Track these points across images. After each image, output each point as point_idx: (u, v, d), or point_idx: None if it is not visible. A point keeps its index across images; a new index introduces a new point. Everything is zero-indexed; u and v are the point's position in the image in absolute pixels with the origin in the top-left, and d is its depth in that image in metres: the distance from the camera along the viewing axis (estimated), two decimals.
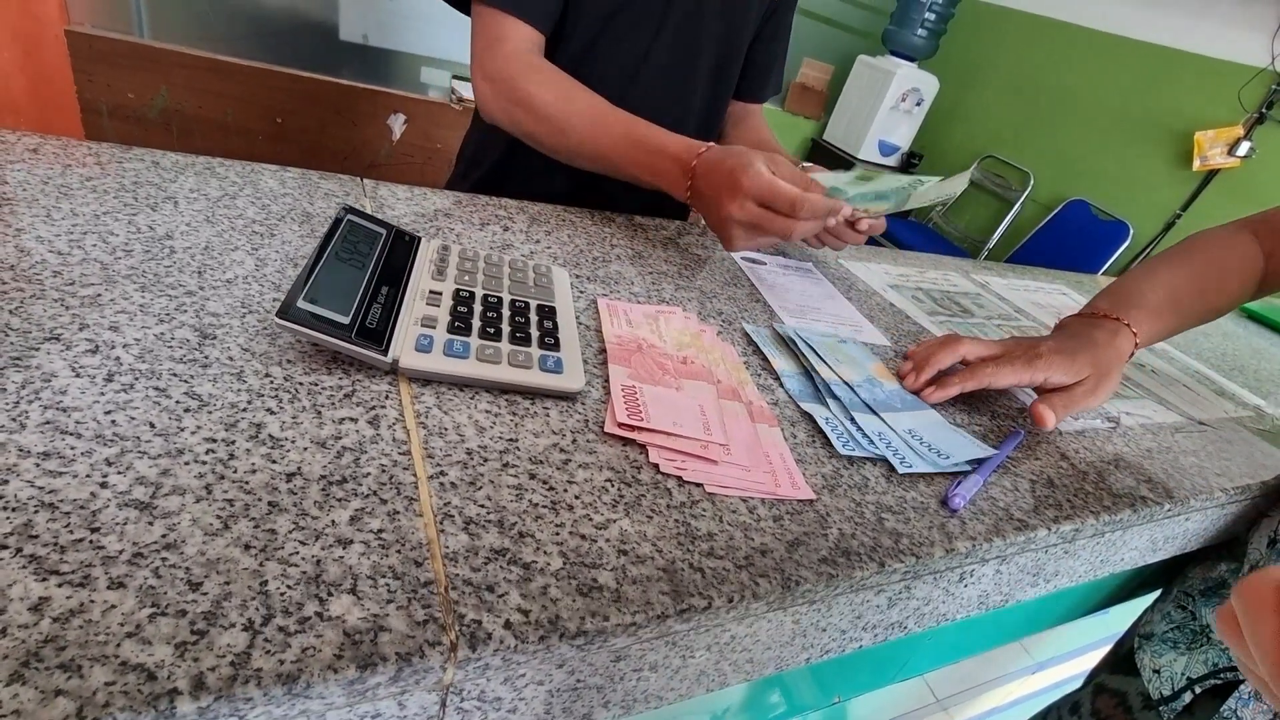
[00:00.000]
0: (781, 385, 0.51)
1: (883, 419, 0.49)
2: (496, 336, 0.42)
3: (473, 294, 0.46)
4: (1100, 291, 0.66)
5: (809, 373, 0.53)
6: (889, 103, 2.88)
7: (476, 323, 0.43)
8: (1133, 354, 0.60)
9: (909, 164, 3.05)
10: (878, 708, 1.46)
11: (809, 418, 0.48)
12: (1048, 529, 0.44)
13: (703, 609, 0.31)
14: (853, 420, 0.48)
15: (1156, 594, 0.78)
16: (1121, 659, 0.74)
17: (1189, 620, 0.66)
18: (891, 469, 0.44)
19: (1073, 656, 1.48)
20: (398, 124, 1.66)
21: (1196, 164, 2.33)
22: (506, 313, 0.45)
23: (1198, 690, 0.60)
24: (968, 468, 0.46)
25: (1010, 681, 1.58)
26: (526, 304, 0.47)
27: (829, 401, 0.50)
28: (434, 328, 0.41)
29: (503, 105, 0.70)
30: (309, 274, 0.39)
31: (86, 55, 1.42)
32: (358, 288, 0.40)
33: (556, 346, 0.43)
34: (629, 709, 0.35)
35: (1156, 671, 0.65)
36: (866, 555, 0.37)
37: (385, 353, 0.38)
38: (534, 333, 0.44)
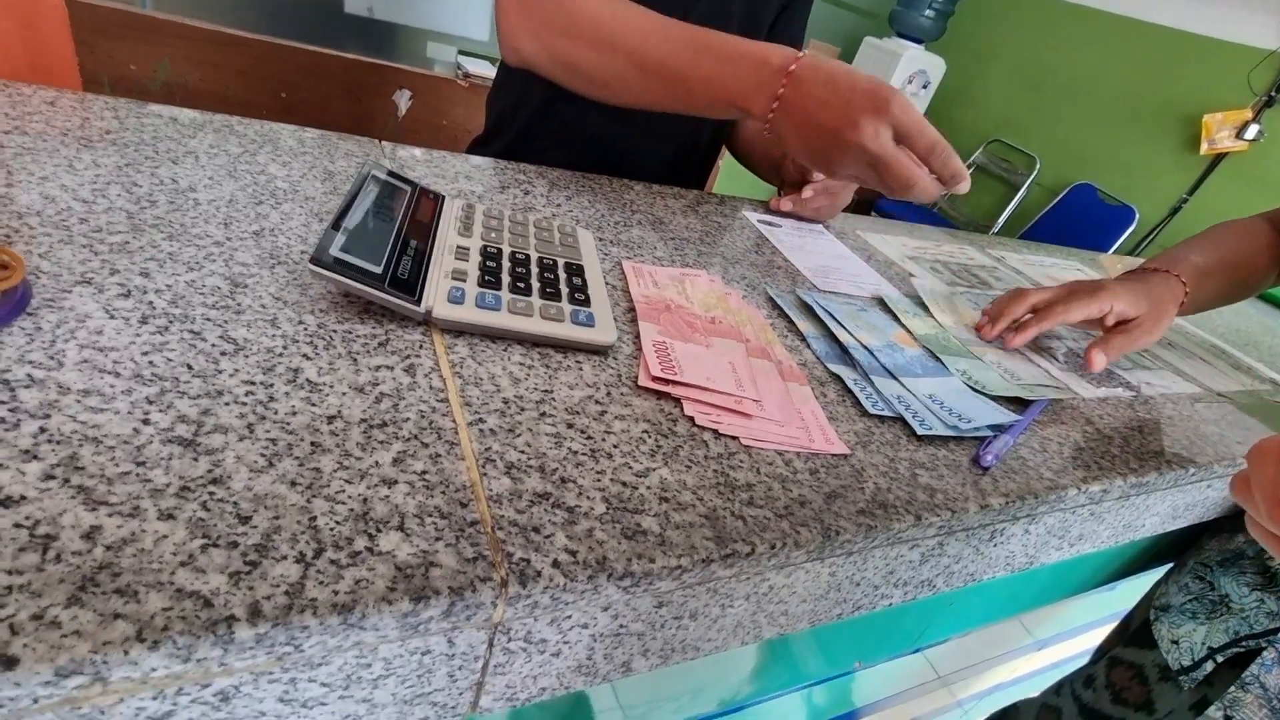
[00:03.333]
0: (809, 347, 0.50)
1: (902, 383, 0.49)
2: (527, 291, 0.42)
3: (500, 250, 0.45)
4: (1144, 261, 0.69)
5: (834, 335, 0.53)
6: (895, 85, 2.85)
7: (506, 278, 0.42)
8: (1183, 304, 0.63)
9: None
10: (881, 684, 1.48)
11: (837, 378, 0.47)
12: (1077, 488, 0.44)
13: (746, 554, 0.31)
14: (871, 383, 0.47)
15: (1165, 569, 0.79)
16: (1135, 632, 0.74)
17: (1207, 590, 0.66)
18: None
19: (1076, 634, 1.49)
20: (403, 100, 1.64)
21: (1204, 147, 2.32)
22: (535, 269, 0.45)
23: (1219, 659, 0.60)
24: (989, 432, 0.46)
25: (1013, 659, 1.60)
26: (555, 261, 0.46)
27: (848, 365, 0.49)
28: (464, 281, 0.40)
29: (538, 33, 0.59)
30: (339, 224, 0.38)
31: (88, 25, 1.40)
32: (387, 240, 0.40)
33: (587, 302, 0.43)
34: (666, 659, 0.35)
35: (1175, 642, 0.65)
36: (903, 508, 0.37)
37: (418, 303, 0.37)
38: (564, 289, 0.43)
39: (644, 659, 0.34)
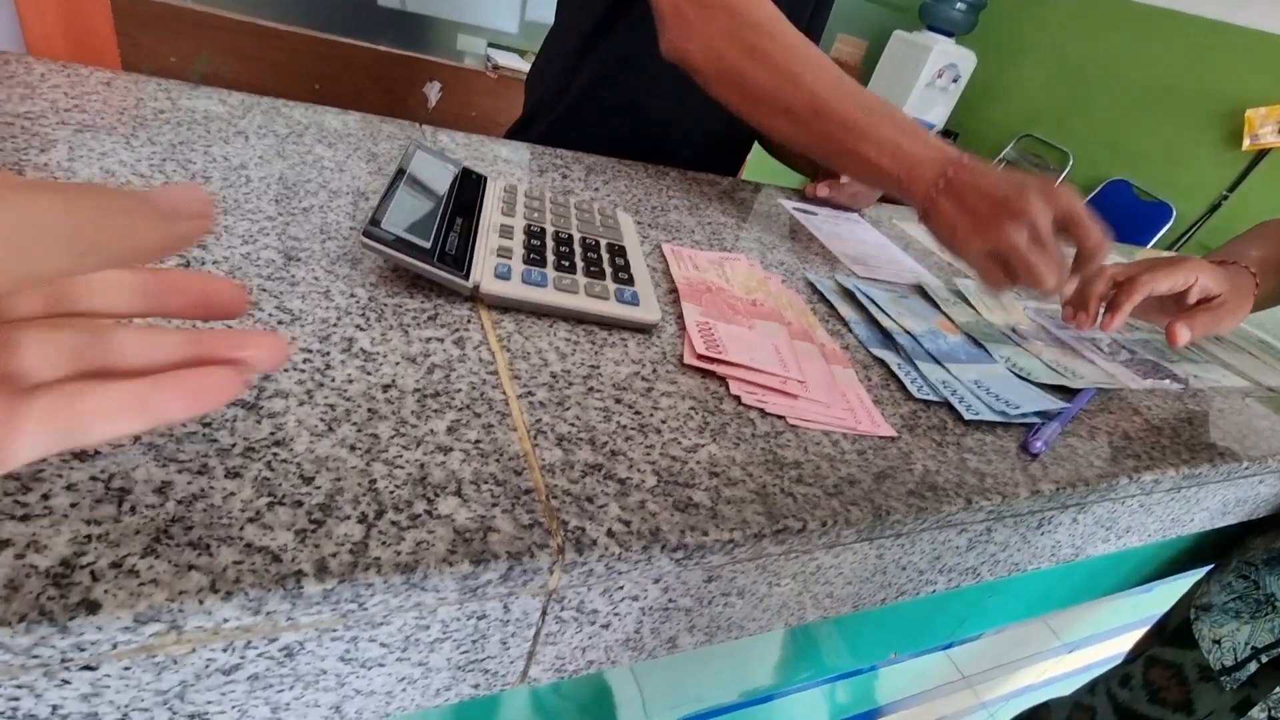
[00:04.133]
0: (851, 331, 0.50)
1: (946, 369, 0.48)
2: (571, 269, 0.42)
3: (543, 229, 0.45)
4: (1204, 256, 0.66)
5: (876, 320, 0.52)
6: (924, 79, 2.81)
7: (551, 256, 0.43)
8: (1254, 296, 0.59)
9: None
10: (904, 683, 1.46)
11: (881, 362, 0.47)
12: (1129, 477, 0.43)
13: (798, 530, 0.31)
14: (915, 368, 0.47)
15: (1205, 570, 0.77)
16: (1174, 632, 0.73)
17: (1252, 590, 0.64)
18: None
19: (1108, 637, 1.47)
20: (434, 92, 1.65)
21: (1246, 143, 2.26)
22: (579, 249, 0.45)
23: (1263, 659, 0.58)
24: (1036, 419, 0.45)
25: (1040, 661, 1.57)
26: (597, 241, 0.46)
27: (891, 350, 0.49)
28: (510, 258, 0.41)
29: (714, 43, 0.56)
30: (388, 201, 0.38)
31: (130, 18, 1.42)
32: (435, 217, 0.40)
33: (631, 281, 0.43)
34: (711, 636, 0.35)
35: (1217, 642, 0.64)
36: (953, 491, 0.36)
37: (466, 277, 0.37)
38: (607, 268, 0.43)
39: (690, 635, 0.34)
